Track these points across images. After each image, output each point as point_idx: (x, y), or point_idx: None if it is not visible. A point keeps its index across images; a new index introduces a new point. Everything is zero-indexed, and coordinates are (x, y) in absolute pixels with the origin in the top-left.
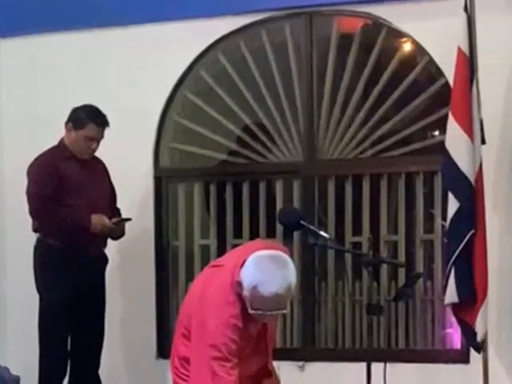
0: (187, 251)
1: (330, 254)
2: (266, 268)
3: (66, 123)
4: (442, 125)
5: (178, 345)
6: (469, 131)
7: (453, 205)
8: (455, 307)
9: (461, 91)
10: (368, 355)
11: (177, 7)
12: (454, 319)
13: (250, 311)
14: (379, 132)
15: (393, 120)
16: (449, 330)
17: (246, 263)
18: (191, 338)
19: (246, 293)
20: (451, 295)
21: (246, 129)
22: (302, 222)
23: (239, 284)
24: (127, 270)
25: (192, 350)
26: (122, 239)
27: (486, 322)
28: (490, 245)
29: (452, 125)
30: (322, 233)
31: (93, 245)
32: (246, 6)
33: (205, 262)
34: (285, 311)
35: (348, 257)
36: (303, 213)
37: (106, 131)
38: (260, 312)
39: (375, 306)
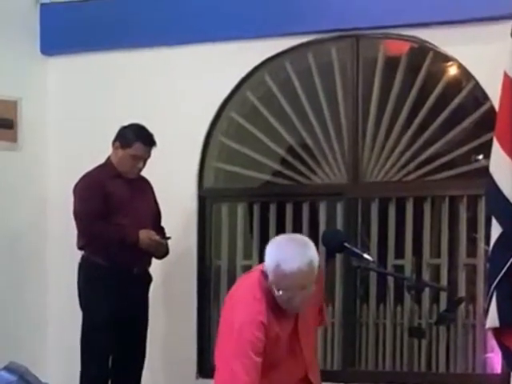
0: (229, 271)
1: (372, 276)
2: (285, 247)
3: (113, 142)
4: (486, 149)
5: None
6: None
7: (496, 230)
8: (496, 331)
9: (506, 116)
10: (409, 378)
11: (224, 28)
12: (495, 343)
13: (277, 294)
14: (424, 155)
15: (437, 143)
16: (490, 355)
17: (267, 249)
18: (218, 336)
19: (270, 276)
20: (493, 319)
21: (290, 150)
22: (345, 244)
23: (264, 274)
24: (170, 288)
25: (217, 347)
26: (166, 258)
27: None
28: None
29: (496, 149)
30: (366, 255)
31: (138, 263)
32: (292, 28)
33: None
34: (309, 291)
35: (390, 280)
36: (347, 235)
37: (153, 150)
38: (286, 293)
39: (417, 329)
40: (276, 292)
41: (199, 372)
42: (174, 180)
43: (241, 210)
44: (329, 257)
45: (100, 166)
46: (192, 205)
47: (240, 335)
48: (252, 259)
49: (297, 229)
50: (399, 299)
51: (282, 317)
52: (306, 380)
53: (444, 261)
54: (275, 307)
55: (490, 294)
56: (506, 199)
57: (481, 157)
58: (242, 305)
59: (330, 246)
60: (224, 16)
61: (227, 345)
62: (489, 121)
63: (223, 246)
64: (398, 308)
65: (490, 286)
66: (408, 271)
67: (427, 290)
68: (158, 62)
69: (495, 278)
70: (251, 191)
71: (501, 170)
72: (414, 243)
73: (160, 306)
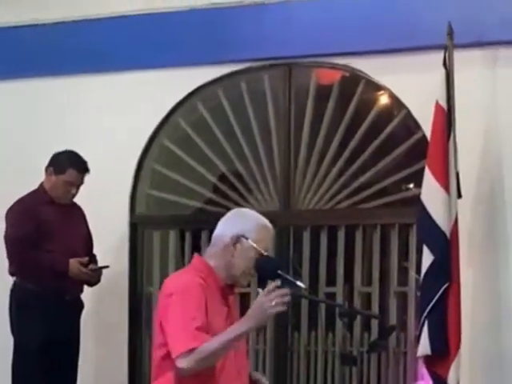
0: None
1: (304, 303)
2: (249, 211)
3: (47, 168)
4: (418, 178)
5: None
6: (445, 184)
7: (427, 258)
8: (428, 360)
9: (438, 145)
10: None
11: (157, 55)
12: (426, 372)
13: (261, 251)
14: (355, 183)
15: (369, 172)
16: (421, 383)
17: (231, 219)
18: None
19: (254, 236)
20: (424, 348)
21: (222, 177)
22: (278, 271)
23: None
24: (102, 315)
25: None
26: (98, 285)
27: (459, 375)
28: (464, 298)
29: (428, 178)
30: (299, 283)
31: (69, 289)
32: (225, 56)
33: None
34: None
35: (322, 307)
36: (280, 262)
37: (86, 177)
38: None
39: (349, 356)
40: (260, 252)
41: None
42: (106, 206)
43: (173, 236)
44: (261, 284)
45: (33, 192)
46: (124, 231)
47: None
48: None
49: None
50: (331, 327)
51: (219, 303)
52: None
53: (375, 289)
54: (215, 292)
55: (421, 322)
56: (437, 227)
57: (412, 186)
58: (178, 279)
59: (264, 273)
60: (157, 43)
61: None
62: (420, 150)
63: (155, 272)
64: (330, 335)
65: (422, 314)
66: (340, 299)
67: (359, 317)
68: (91, 89)
69: (427, 307)
70: (183, 218)
71: (432, 198)
72: (346, 271)
73: (91, 333)
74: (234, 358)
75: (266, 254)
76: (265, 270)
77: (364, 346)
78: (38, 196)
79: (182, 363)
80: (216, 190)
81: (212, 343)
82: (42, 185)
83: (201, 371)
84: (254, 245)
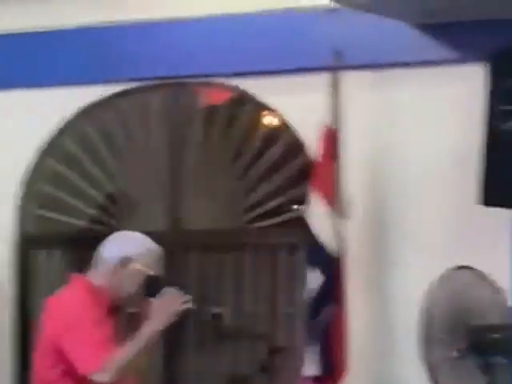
0: None
1: (190, 324)
2: (134, 234)
3: None
4: (304, 199)
5: None
6: (332, 205)
7: (315, 279)
8: (314, 381)
9: (324, 166)
10: None
11: (44, 73)
12: None
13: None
14: (243, 204)
15: (256, 193)
16: None
17: (115, 243)
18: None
19: (142, 260)
20: (309, 369)
21: (109, 196)
22: None
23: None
24: None
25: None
26: None
27: None
28: (351, 319)
29: (315, 199)
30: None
31: None
32: (113, 76)
33: None
34: None
35: (209, 328)
36: (166, 282)
37: None
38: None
39: (238, 376)
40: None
41: None
42: None
43: (58, 256)
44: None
45: None
46: (9, 251)
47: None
48: None
49: None
50: (219, 347)
51: (109, 321)
52: None
53: (263, 309)
54: (103, 311)
55: (308, 343)
56: (325, 248)
57: (298, 207)
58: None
59: (151, 294)
60: (45, 62)
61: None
62: (307, 171)
63: (40, 292)
64: (219, 357)
65: (309, 335)
66: (228, 319)
67: (246, 337)
68: None
69: (313, 328)
70: (69, 237)
71: (320, 219)
72: (234, 291)
73: None
74: None
75: (154, 275)
76: (152, 292)
77: (252, 367)
78: None
79: (103, 377)
80: (103, 209)
81: (125, 350)
82: None
83: None
84: (142, 268)
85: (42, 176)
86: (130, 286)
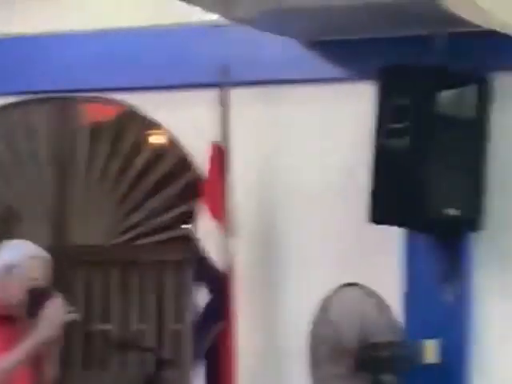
0: None
1: (78, 339)
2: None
3: None
4: (192, 215)
5: None
6: (221, 222)
7: (203, 296)
8: None
9: (214, 183)
10: None
11: None
12: None
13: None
14: (130, 220)
15: (143, 209)
16: None
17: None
18: None
19: (23, 265)
20: None
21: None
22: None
23: None
24: None
25: None
26: None
27: None
28: (240, 339)
29: (204, 215)
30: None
31: None
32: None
33: None
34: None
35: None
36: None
37: None
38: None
39: None
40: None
41: None
42: None
43: None
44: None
45: None
46: None
47: None
48: None
49: None
50: (106, 363)
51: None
52: None
53: (151, 326)
54: None
55: (195, 360)
56: (213, 265)
57: (187, 223)
58: None
59: (35, 301)
60: None
61: None
62: (195, 187)
63: None
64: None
65: (196, 353)
66: (114, 336)
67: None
68: None
69: (201, 346)
70: None
71: (209, 236)
72: (121, 308)
73: None
74: None
75: (39, 285)
76: (38, 301)
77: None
78: None
79: None
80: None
81: (5, 360)
82: None
83: None
84: (26, 275)
85: None
86: (14, 293)
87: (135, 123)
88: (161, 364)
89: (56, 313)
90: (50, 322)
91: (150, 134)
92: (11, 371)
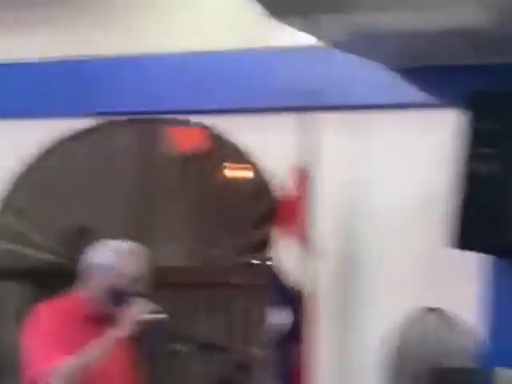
0: None
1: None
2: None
3: None
4: (274, 239)
5: None
6: (302, 245)
7: (282, 317)
8: None
9: (295, 205)
10: None
11: (15, 105)
12: None
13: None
14: (211, 244)
15: (219, 231)
16: None
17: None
18: None
19: (111, 262)
20: None
21: (74, 231)
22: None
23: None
24: None
25: None
26: None
27: None
28: (319, 359)
29: (285, 238)
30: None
31: None
32: (83, 110)
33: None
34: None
35: None
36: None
37: None
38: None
39: None
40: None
41: None
42: None
43: (19, 288)
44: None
45: None
46: None
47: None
48: None
49: None
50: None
51: (86, 331)
52: None
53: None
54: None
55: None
56: (291, 287)
57: (267, 247)
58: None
59: (119, 300)
60: (13, 93)
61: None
62: (276, 210)
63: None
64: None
65: (274, 374)
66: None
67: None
68: None
69: (280, 366)
70: (31, 270)
71: (289, 258)
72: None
73: None
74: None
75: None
76: (115, 297)
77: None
78: None
79: (56, 382)
80: (68, 243)
81: (78, 357)
82: None
83: None
84: (113, 271)
85: (7, 209)
86: (104, 291)
87: (217, 145)
88: (240, 367)
89: (135, 312)
90: (130, 320)
91: (231, 158)
92: (87, 367)
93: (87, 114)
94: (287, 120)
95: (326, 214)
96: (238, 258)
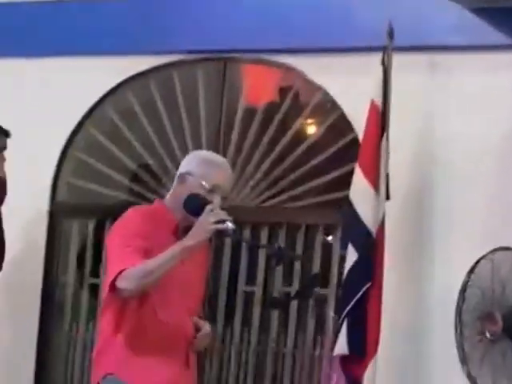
0: (76, 289)
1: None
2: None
3: None
4: (347, 180)
5: None
6: (374, 184)
7: (351, 256)
8: (344, 360)
9: (370, 145)
10: None
11: (90, 41)
12: (341, 374)
13: (207, 186)
14: (283, 183)
15: (297, 172)
16: None
17: (186, 158)
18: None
19: (200, 171)
20: (341, 347)
21: (147, 168)
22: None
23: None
24: (12, 301)
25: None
26: (10, 270)
27: (375, 378)
28: (386, 300)
29: (358, 177)
30: (229, 223)
31: None
32: (160, 46)
33: (92, 301)
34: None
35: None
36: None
37: (6, 164)
38: (213, 193)
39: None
40: (206, 186)
41: None
42: (26, 192)
43: (92, 226)
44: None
45: None
46: (42, 219)
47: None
48: (99, 278)
49: None
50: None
51: (172, 241)
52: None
53: (294, 290)
54: (167, 230)
55: (340, 320)
56: (364, 226)
57: (340, 187)
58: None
59: (191, 208)
60: (90, 30)
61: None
62: (352, 152)
63: (71, 262)
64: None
65: (342, 312)
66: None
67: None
68: (22, 73)
69: (347, 305)
70: (104, 208)
71: (361, 197)
72: (266, 271)
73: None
74: (179, 295)
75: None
76: (192, 206)
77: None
78: None
79: (122, 284)
80: (139, 180)
81: (150, 261)
82: None
83: (143, 300)
84: (199, 181)
85: (81, 145)
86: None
87: (295, 85)
88: (310, 279)
89: (208, 220)
90: (202, 228)
91: (309, 96)
92: (160, 274)
93: (161, 52)
94: (367, 60)
95: (399, 154)
96: (317, 197)
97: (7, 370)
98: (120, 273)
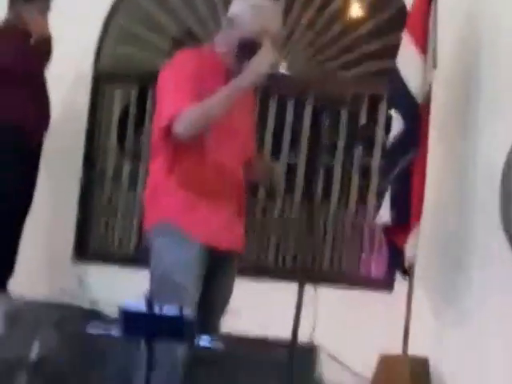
0: (117, 155)
1: None
2: None
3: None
4: (394, 49)
5: None
6: (423, 52)
7: (397, 124)
8: (387, 229)
9: (419, 12)
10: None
11: None
12: (382, 246)
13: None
14: (328, 52)
15: (344, 40)
16: (376, 256)
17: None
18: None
19: (246, 13)
20: (384, 215)
21: (187, 32)
22: None
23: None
24: (54, 164)
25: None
26: (53, 132)
27: (416, 247)
28: (431, 170)
29: (407, 44)
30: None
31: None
32: None
33: (134, 168)
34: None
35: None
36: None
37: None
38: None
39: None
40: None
41: (77, 256)
42: (70, 58)
43: (134, 93)
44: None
45: None
46: (86, 84)
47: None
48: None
49: None
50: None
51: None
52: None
53: (338, 162)
54: (219, 73)
55: (383, 189)
56: (410, 93)
57: (387, 57)
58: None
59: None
60: None
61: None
62: (399, 20)
63: (113, 129)
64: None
65: (385, 181)
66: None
67: None
68: None
69: (391, 173)
70: (146, 75)
71: (409, 64)
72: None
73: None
74: (230, 141)
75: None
76: (244, 50)
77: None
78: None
79: (179, 127)
80: (181, 45)
81: (206, 103)
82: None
83: (195, 144)
84: (250, 25)
85: (125, 12)
86: (233, 43)
87: None
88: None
89: (263, 60)
90: (257, 69)
91: None
92: (212, 117)
93: None
94: None
95: (448, 24)
96: (357, 66)
97: (48, 235)
98: (173, 117)
